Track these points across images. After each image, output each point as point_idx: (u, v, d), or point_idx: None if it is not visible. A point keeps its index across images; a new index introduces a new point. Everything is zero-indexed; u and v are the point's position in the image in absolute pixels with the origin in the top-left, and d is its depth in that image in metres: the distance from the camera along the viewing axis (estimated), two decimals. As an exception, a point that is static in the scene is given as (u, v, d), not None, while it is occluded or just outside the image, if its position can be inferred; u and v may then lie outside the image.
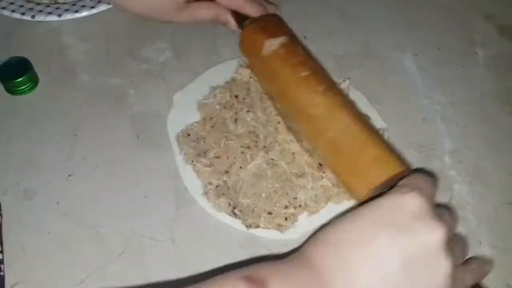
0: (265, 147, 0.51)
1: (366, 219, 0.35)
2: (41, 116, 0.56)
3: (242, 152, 0.50)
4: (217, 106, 0.54)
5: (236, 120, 0.53)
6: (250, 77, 0.57)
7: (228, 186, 0.49)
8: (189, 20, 0.58)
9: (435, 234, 0.34)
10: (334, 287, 0.34)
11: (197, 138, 0.52)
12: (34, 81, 0.58)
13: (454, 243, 0.37)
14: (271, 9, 0.59)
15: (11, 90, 0.57)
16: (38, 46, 0.63)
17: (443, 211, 0.37)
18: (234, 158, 0.50)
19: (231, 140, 0.51)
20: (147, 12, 0.58)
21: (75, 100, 0.57)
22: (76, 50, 0.62)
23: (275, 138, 0.51)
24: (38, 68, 0.58)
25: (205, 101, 0.55)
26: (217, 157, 0.51)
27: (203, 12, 0.57)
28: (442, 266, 0.34)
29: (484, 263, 0.41)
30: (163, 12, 0.57)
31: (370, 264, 0.34)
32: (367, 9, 0.68)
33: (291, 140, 0.51)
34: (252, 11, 0.56)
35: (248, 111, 0.53)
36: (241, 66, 0.58)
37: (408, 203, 0.35)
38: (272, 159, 0.50)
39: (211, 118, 0.53)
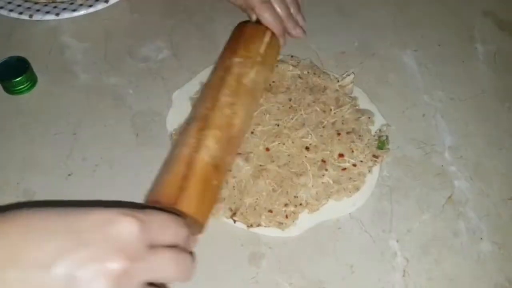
0: (250, 152, 0.51)
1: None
2: (40, 115, 0.55)
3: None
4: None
5: None
6: None
7: (233, 186, 0.49)
8: None
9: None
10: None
11: None
12: (32, 80, 0.58)
13: None
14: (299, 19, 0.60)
15: (10, 89, 0.57)
16: (36, 45, 0.62)
17: None
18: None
19: None
20: None
21: (74, 99, 0.57)
22: (75, 49, 0.62)
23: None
24: (36, 68, 0.58)
25: (196, 96, 0.56)
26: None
27: None
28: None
29: None
30: None
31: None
32: (366, 5, 0.68)
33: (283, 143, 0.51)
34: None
35: None
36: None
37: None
38: (260, 165, 0.50)
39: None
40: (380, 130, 0.53)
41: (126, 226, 0.33)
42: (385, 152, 0.52)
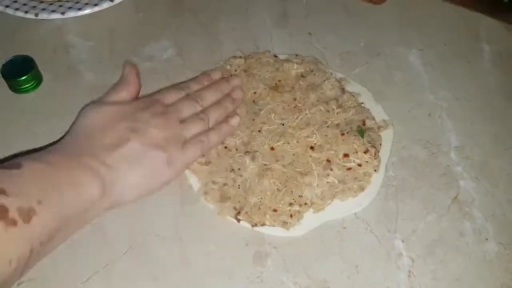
0: (256, 151, 0.51)
1: (108, 114, 0.47)
2: (45, 114, 0.56)
3: (240, 156, 0.51)
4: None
5: None
6: (236, 70, 0.58)
7: (238, 185, 0.49)
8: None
9: (157, 121, 0.47)
10: (89, 163, 0.43)
11: None
12: (37, 79, 0.58)
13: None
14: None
15: (15, 88, 0.57)
16: (42, 44, 0.63)
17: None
18: (231, 158, 0.51)
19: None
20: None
21: (79, 98, 0.56)
22: (80, 48, 0.62)
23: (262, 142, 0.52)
24: (41, 66, 0.58)
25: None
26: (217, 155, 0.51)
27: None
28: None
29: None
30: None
31: (116, 144, 0.45)
32: (372, 5, 0.67)
33: (287, 142, 0.51)
34: None
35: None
36: (234, 56, 0.58)
37: (143, 105, 0.50)
38: (265, 164, 0.50)
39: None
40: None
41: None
42: (372, 146, 0.50)
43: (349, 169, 0.50)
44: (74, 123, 0.48)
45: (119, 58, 0.61)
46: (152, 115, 0.47)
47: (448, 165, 0.52)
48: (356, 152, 0.50)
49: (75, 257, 0.45)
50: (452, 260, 0.45)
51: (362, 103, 0.55)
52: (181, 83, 0.56)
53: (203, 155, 0.50)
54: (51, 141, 0.53)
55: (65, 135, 0.48)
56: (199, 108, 0.51)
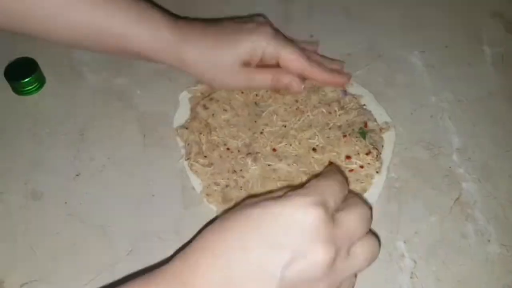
0: (258, 152, 0.51)
1: (247, 224, 0.32)
2: (48, 116, 0.56)
3: (242, 157, 0.51)
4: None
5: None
6: None
7: (240, 186, 0.49)
8: (247, 85, 0.54)
9: (319, 258, 0.32)
10: None
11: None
12: (41, 81, 0.58)
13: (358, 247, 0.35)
14: (336, 67, 0.57)
15: (18, 90, 0.57)
16: (45, 46, 0.63)
17: (344, 217, 0.35)
18: (233, 159, 0.51)
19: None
20: (201, 75, 0.54)
21: (82, 100, 0.57)
22: (83, 50, 0.62)
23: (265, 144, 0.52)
24: (44, 69, 0.58)
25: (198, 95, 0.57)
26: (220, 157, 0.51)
27: (262, 77, 0.53)
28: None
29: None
30: (217, 75, 0.53)
31: (243, 282, 0.32)
32: (373, 7, 0.68)
33: (289, 143, 0.51)
34: (318, 75, 0.54)
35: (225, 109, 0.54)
36: None
37: (304, 218, 0.32)
38: (268, 165, 0.50)
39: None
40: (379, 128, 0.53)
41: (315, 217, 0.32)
42: (374, 148, 0.50)
43: (351, 170, 0.50)
44: None
45: (121, 60, 0.61)
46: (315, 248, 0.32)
47: (450, 167, 0.52)
48: (358, 154, 0.50)
49: (78, 259, 0.46)
50: (454, 262, 0.45)
51: (364, 105, 0.55)
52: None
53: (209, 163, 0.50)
54: (54, 143, 0.53)
55: None
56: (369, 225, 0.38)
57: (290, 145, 0.51)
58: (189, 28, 0.53)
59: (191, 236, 0.46)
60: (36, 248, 0.46)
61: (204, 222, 0.48)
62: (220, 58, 0.52)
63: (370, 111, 0.55)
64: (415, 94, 0.58)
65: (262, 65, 0.54)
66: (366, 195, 0.49)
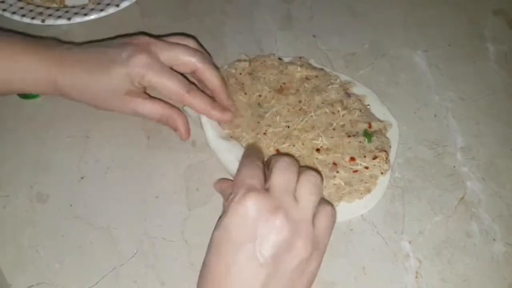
0: None
1: (222, 245, 0.37)
2: (52, 119, 0.56)
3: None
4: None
5: None
6: (240, 73, 0.57)
7: None
8: (134, 113, 0.52)
9: (277, 228, 0.36)
10: None
11: None
12: (45, 84, 0.58)
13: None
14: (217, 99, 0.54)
15: (22, 94, 0.57)
16: (49, 50, 0.63)
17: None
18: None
19: None
20: (88, 100, 0.52)
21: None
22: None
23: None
24: (48, 72, 0.59)
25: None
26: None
27: (151, 110, 0.51)
28: (297, 244, 0.36)
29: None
30: (95, 100, 0.52)
31: (248, 284, 0.35)
32: (376, 6, 0.68)
33: (293, 144, 0.51)
34: (198, 106, 0.51)
35: None
36: (239, 60, 0.59)
37: (246, 210, 0.36)
38: None
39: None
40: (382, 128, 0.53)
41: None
42: (382, 150, 0.50)
43: (355, 171, 0.50)
44: None
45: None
46: (268, 222, 0.36)
47: (454, 166, 0.51)
48: (365, 157, 0.50)
49: (83, 261, 0.46)
50: (460, 261, 0.45)
51: (368, 105, 0.55)
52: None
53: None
54: (59, 146, 0.53)
55: None
56: (296, 171, 0.40)
57: (294, 145, 0.51)
58: (66, 55, 0.52)
59: (196, 237, 0.47)
60: (42, 250, 0.46)
61: (209, 223, 0.48)
62: (93, 85, 0.50)
63: (373, 111, 0.55)
64: (419, 93, 0.58)
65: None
66: (370, 196, 0.49)
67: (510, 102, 0.57)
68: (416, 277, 0.44)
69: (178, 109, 0.53)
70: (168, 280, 0.44)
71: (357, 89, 0.57)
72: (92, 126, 0.55)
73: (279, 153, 0.50)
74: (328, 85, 0.56)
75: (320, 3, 0.68)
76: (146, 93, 0.53)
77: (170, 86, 0.50)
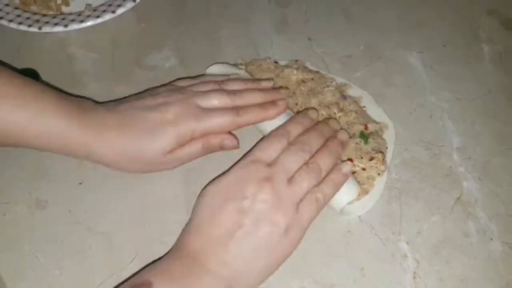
0: None
1: (215, 198, 0.43)
2: (50, 126, 0.56)
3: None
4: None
5: None
6: None
7: None
8: (179, 164, 0.51)
9: (263, 194, 0.41)
10: (209, 266, 0.40)
11: None
12: (43, 91, 0.58)
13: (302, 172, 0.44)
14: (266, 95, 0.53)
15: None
16: (46, 57, 0.63)
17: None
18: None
19: None
20: (127, 166, 0.50)
21: (84, 109, 0.57)
22: (83, 60, 0.63)
23: None
24: (46, 79, 0.59)
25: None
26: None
27: (193, 150, 0.50)
28: (276, 214, 0.41)
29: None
30: (141, 168, 0.50)
31: (228, 234, 0.40)
32: (371, 9, 0.68)
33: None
34: (252, 120, 0.51)
35: None
36: (236, 63, 0.59)
37: (243, 174, 0.43)
38: None
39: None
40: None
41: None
42: (379, 152, 0.51)
43: (353, 172, 0.50)
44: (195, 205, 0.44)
45: (122, 69, 0.61)
46: (258, 187, 0.42)
47: (450, 166, 0.52)
48: (361, 158, 0.50)
49: (83, 266, 0.46)
50: (457, 261, 0.45)
51: (364, 106, 0.56)
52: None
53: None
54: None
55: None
56: (307, 157, 0.45)
57: None
58: (101, 120, 0.48)
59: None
60: (42, 256, 0.47)
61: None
62: (141, 151, 0.48)
63: (369, 113, 0.55)
64: (414, 94, 0.58)
65: None
66: (367, 197, 0.49)
67: (505, 102, 0.57)
68: (414, 277, 0.45)
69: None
70: (168, 284, 0.44)
71: (353, 91, 0.57)
72: (90, 132, 0.55)
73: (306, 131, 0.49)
74: (324, 87, 0.56)
75: (315, 6, 0.68)
76: None
77: (221, 122, 0.49)
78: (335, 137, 0.49)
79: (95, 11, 0.67)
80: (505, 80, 0.59)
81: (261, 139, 0.47)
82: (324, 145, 0.47)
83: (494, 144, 0.53)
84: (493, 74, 0.60)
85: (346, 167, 0.47)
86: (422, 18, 0.66)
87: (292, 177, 0.44)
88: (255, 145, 0.46)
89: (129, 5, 0.68)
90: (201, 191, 0.44)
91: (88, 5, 0.68)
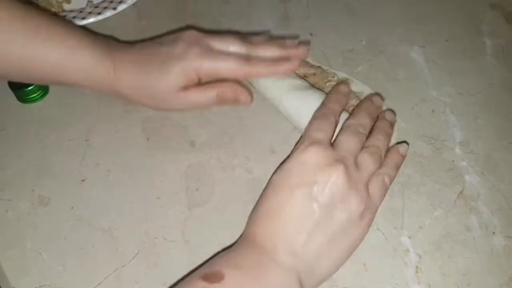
0: None
1: (281, 186, 0.41)
2: (52, 123, 0.56)
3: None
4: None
5: None
6: None
7: None
8: (191, 107, 0.52)
9: (335, 178, 0.40)
10: (278, 254, 0.39)
11: None
12: (44, 89, 0.59)
13: (366, 155, 0.43)
14: (285, 51, 0.53)
15: (22, 98, 0.58)
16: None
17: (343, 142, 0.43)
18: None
19: None
20: (139, 103, 0.52)
21: (86, 106, 0.58)
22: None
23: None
24: (48, 76, 0.59)
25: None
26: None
27: (206, 97, 0.50)
28: (351, 197, 0.40)
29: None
30: (155, 102, 0.52)
31: (298, 223, 0.39)
32: (373, 3, 0.68)
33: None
34: (263, 71, 0.51)
35: None
36: None
37: (308, 158, 0.41)
38: None
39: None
40: None
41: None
42: None
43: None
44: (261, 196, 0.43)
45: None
46: (328, 171, 0.40)
47: (453, 161, 0.52)
48: None
49: (85, 263, 0.46)
50: (460, 255, 0.45)
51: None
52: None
53: None
54: (59, 149, 0.54)
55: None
56: (364, 139, 0.45)
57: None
58: (121, 56, 0.51)
59: (196, 237, 0.47)
60: (45, 253, 0.47)
61: (209, 223, 0.48)
62: (152, 86, 0.50)
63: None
64: (416, 89, 0.58)
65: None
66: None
67: (507, 96, 0.57)
68: (416, 272, 0.45)
69: (226, 80, 0.51)
70: (170, 280, 0.45)
71: (355, 86, 0.57)
72: (92, 129, 0.56)
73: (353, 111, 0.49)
74: (326, 82, 0.56)
75: (316, 1, 0.68)
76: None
77: (229, 65, 0.49)
78: (383, 117, 0.48)
79: (96, 8, 0.67)
80: (507, 74, 0.59)
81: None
82: (376, 126, 0.47)
83: (496, 138, 0.53)
84: (495, 68, 0.60)
85: (403, 148, 0.47)
86: (424, 12, 0.66)
87: (356, 159, 0.43)
88: (306, 127, 0.45)
89: (130, 1, 0.68)
90: (266, 184, 0.42)
91: (89, 2, 0.68)
